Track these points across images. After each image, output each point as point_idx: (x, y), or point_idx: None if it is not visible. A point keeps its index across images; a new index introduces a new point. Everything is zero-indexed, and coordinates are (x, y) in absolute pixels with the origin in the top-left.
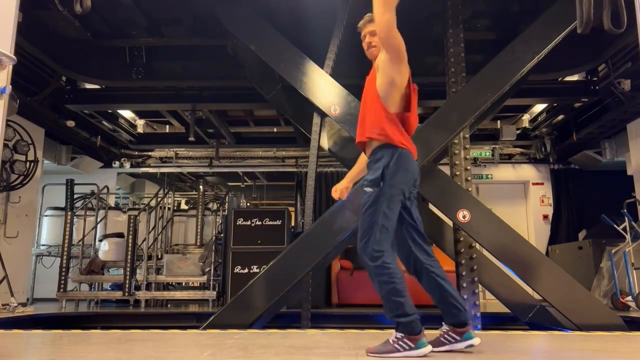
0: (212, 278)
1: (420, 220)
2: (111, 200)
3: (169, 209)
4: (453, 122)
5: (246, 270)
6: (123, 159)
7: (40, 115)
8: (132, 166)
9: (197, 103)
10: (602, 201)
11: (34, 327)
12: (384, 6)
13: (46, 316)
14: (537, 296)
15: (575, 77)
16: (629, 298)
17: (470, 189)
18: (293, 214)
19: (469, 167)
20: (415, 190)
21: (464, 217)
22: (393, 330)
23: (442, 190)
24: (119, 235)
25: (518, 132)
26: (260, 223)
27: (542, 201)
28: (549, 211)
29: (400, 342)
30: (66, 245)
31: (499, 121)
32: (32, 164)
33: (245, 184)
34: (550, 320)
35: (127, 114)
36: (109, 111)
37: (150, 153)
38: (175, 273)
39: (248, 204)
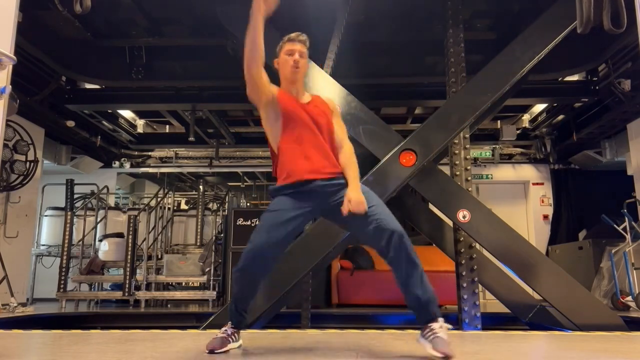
0: (212, 278)
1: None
2: (111, 200)
3: (169, 209)
4: (453, 122)
5: None
6: (123, 159)
7: (40, 115)
8: (132, 166)
9: (197, 103)
10: (602, 201)
11: (34, 327)
12: None
13: (46, 316)
14: (537, 296)
15: (575, 77)
16: (629, 298)
17: (470, 189)
18: None
19: (469, 167)
20: None
21: (464, 217)
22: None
23: (442, 190)
24: (119, 235)
25: (518, 132)
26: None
27: (542, 201)
28: (549, 211)
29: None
30: (66, 245)
31: (499, 121)
32: (32, 164)
33: (245, 184)
34: (550, 320)
35: (127, 114)
36: (109, 111)
37: (150, 153)
38: (175, 273)
39: (248, 204)
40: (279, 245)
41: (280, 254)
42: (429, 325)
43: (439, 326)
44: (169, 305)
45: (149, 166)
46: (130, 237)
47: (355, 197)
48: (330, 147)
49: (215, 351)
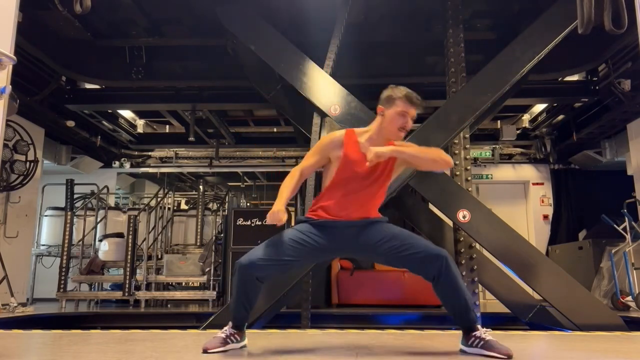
0: (212, 278)
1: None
2: (111, 200)
3: (169, 209)
4: (453, 122)
5: None
6: (123, 159)
7: (40, 115)
8: (132, 166)
9: (197, 103)
10: (602, 201)
11: (34, 327)
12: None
13: (46, 316)
14: (537, 296)
15: (575, 77)
16: (629, 298)
17: (470, 189)
18: (293, 214)
19: (469, 167)
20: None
21: (464, 217)
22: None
23: (442, 190)
24: (119, 235)
25: (518, 132)
26: (260, 223)
27: (542, 201)
28: (549, 211)
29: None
30: (66, 245)
31: (499, 121)
32: (32, 164)
33: (245, 184)
34: (550, 320)
35: (127, 114)
36: (109, 111)
37: (150, 153)
38: (175, 273)
39: (248, 204)
40: (272, 263)
41: (274, 272)
42: (473, 333)
43: (484, 331)
44: (169, 305)
45: (149, 166)
46: (130, 237)
47: (377, 148)
48: (379, 193)
49: (209, 351)
